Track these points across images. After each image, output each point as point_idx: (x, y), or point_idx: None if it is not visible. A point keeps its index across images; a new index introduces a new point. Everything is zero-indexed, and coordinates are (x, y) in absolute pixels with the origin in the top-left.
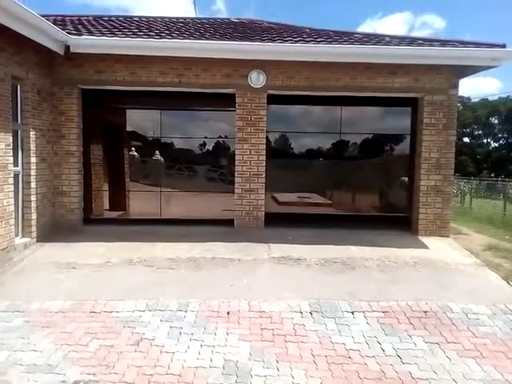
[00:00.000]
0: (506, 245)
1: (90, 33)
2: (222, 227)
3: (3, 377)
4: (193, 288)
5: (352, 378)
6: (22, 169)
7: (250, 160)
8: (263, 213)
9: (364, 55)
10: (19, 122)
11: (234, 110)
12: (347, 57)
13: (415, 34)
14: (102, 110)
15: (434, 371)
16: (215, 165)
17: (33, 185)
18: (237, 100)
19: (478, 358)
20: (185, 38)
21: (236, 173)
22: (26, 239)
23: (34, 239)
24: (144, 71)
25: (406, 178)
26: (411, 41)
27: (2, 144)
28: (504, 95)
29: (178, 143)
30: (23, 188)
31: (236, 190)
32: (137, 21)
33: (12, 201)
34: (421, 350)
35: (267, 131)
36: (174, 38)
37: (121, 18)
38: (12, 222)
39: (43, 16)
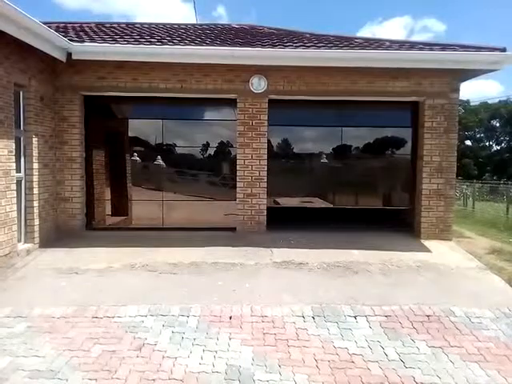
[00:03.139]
0: (509, 248)
1: (92, 40)
2: (223, 232)
3: (6, 382)
4: (195, 293)
5: (355, 383)
6: (25, 175)
7: (252, 165)
8: (265, 217)
9: (364, 59)
10: (22, 128)
11: (235, 120)
12: (348, 61)
13: (415, 37)
14: (104, 115)
15: (437, 375)
16: (216, 169)
17: (35, 191)
18: (238, 105)
19: (481, 362)
20: (186, 44)
21: (237, 177)
22: (29, 245)
23: (37, 245)
24: (146, 77)
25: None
26: (411, 45)
27: (4, 150)
28: (504, 98)
29: (180, 148)
30: (26, 194)
31: (238, 195)
32: (138, 27)
33: (15, 207)
34: (424, 354)
35: (269, 125)
36: (175, 44)
37: (122, 25)
38: (15, 227)
39: (45, 23)
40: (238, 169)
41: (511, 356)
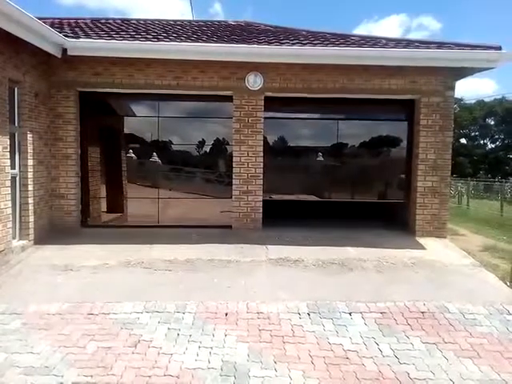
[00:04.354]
0: (503, 245)
1: (88, 35)
2: (219, 229)
3: (0, 379)
4: (190, 290)
5: (349, 379)
6: (20, 171)
7: (248, 162)
8: (261, 214)
9: (361, 57)
10: (16, 124)
11: (231, 118)
12: (344, 59)
13: (411, 35)
14: (100, 112)
15: (431, 371)
16: (212, 167)
17: (30, 187)
18: (234, 102)
19: (475, 358)
20: (182, 40)
21: (233, 175)
22: (24, 242)
23: (32, 242)
24: (141, 74)
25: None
26: (407, 43)
27: None
28: (499, 96)
29: (176, 145)
30: (20, 190)
31: (234, 192)
32: (134, 23)
33: (9, 203)
34: (418, 350)
35: (265, 118)
36: (171, 40)
37: (118, 21)
38: (9, 224)
39: (40, 19)
40: (233, 166)
41: (504, 352)
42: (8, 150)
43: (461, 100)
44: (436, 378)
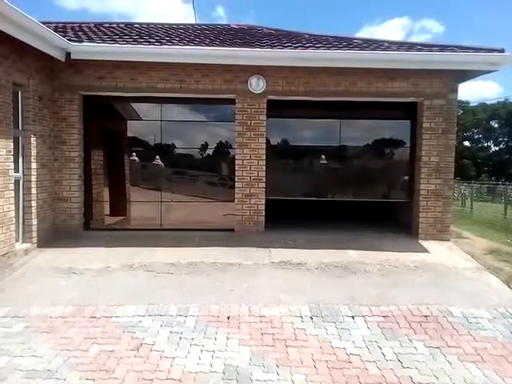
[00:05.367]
0: (507, 248)
1: (91, 40)
2: (222, 232)
3: (3, 382)
4: (193, 293)
5: (352, 383)
6: (23, 175)
7: (250, 165)
8: (263, 217)
9: (363, 60)
10: (20, 128)
11: (234, 121)
12: (346, 62)
13: (414, 39)
14: (103, 115)
15: (434, 376)
16: (215, 170)
17: (33, 190)
18: (237, 105)
19: (478, 363)
20: (185, 44)
21: (236, 178)
22: (27, 245)
23: (35, 245)
24: (144, 77)
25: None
26: (410, 46)
27: (2, 150)
28: (502, 99)
29: (179, 148)
30: (24, 194)
31: (236, 195)
32: (137, 27)
33: (13, 206)
34: (421, 354)
35: (268, 117)
36: (174, 44)
37: (121, 25)
38: (13, 227)
39: (44, 23)
40: (236, 169)
41: (508, 356)
42: (12, 153)
43: (467, 103)
44: (439, 383)
